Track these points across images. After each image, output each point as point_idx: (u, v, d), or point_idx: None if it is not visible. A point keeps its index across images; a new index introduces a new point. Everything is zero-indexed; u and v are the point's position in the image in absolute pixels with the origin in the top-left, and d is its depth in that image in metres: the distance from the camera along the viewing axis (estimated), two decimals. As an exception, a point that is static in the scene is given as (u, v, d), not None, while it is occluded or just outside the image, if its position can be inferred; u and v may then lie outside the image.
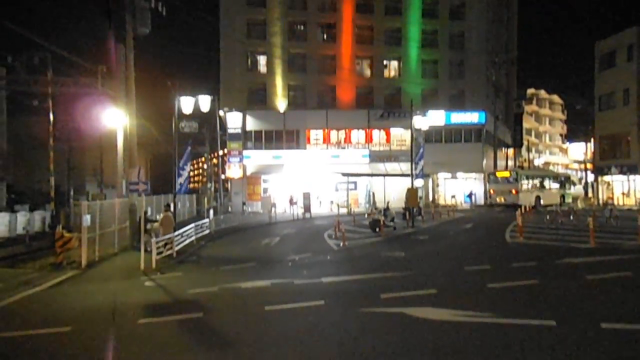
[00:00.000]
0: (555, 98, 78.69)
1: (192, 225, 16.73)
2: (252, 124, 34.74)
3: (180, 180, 17.87)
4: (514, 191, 30.39)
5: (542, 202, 31.24)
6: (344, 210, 29.87)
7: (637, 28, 32.29)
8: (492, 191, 32.46)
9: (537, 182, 33.02)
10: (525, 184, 31.41)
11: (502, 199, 30.68)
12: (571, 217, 20.41)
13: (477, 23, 38.28)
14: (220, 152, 39.01)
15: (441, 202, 36.18)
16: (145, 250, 11.73)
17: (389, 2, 37.25)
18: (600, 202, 34.38)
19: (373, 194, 32.60)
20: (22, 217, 22.05)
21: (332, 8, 36.61)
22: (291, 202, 30.73)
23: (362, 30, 36.93)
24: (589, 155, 42.18)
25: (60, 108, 27.02)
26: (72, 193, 31.65)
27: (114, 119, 17.23)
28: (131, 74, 16.25)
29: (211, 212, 21.75)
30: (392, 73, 38.24)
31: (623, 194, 34.34)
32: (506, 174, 32.96)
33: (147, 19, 15.86)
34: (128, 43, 16.10)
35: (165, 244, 13.16)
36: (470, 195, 35.89)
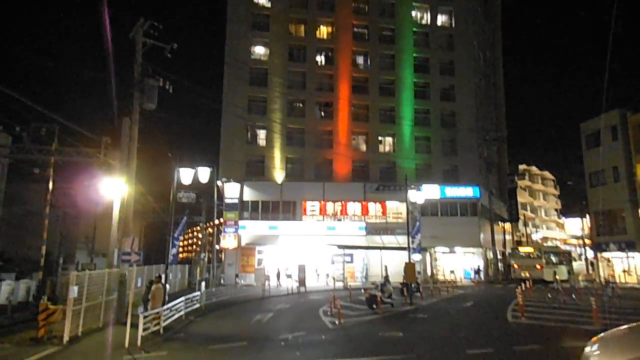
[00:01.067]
0: (547, 174, 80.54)
1: (183, 298, 16.12)
2: (249, 195, 35.05)
3: (174, 251, 17.62)
4: (538, 266, 31.73)
5: (557, 277, 31.75)
6: (340, 284, 29.08)
7: (619, 110, 34.00)
8: (516, 266, 33.53)
9: (553, 257, 34.22)
10: (546, 260, 32.63)
11: (527, 274, 31.34)
12: (573, 296, 19.88)
13: (467, 103, 40.47)
14: (216, 222, 38.81)
15: (440, 277, 35.41)
16: (132, 325, 11.18)
17: (383, 85, 39.71)
18: (601, 279, 33.74)
19: (386, 267, 31.43)
20: (6, 286, 21.24)
21: (330, 88, 38.85)
22: (279, 276, 30.12)
23: (358, 108, 38.86)
24: (586, 230, 42.32)
25: (59, 175, 27.35)
26: (61, 261, 30.86)
27: (112, 188, 17.40)
28: (134, 146, 16.71)
29: (203, 284, 21.07)
30: (387, 148, 39.52)
31: (624, 271, 33.82)
32: (529, 249, 34.79)
33: (154, 96, 16.68)
34: (134, 117, 16.77)
35: (153, 319, 12.59)
36: (478, 271, 35.43)
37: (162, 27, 16.79)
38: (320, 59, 39.73)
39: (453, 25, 42.46)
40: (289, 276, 28.81)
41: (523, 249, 35.52)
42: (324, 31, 40.39)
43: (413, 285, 20.63)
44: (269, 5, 39.24)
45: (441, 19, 42.74)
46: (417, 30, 41.58)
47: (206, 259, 36.92)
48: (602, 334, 5.48)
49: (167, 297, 15.83)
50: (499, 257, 40.68)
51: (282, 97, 37.43)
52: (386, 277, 21.32)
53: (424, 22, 42.23)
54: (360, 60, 40.56)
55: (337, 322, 14.15)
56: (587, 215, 39.29)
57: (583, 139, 36.87)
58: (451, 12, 42.63)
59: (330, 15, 40.05)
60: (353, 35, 40.15)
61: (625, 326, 5.63)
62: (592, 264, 38.45)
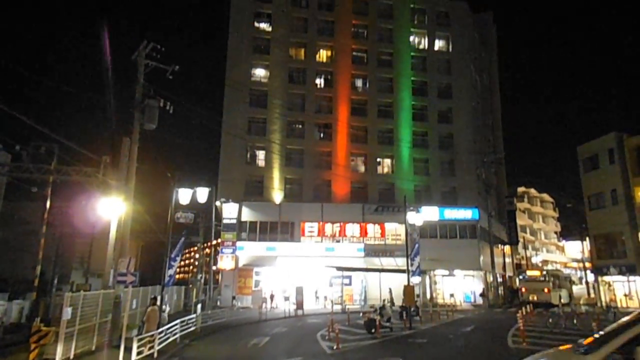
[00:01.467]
0: (546, 196, 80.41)
1: (178, 321, 15.84)
2: (247, 215, 34.90)
3: (170, 272, 17.38)
4: (546, 290, 32.30)
5: (562, 300, 32.01)
6: (338, 307, 28.64)
7: (616, 133, 34.18)
8: (524, 289, 34.00)
9: (557, 281, 34.82)
10: (553, 283, 33.26)
11: (535, 297, 32.00)
12: (574, 321, 19.58)
13: (464, 126, 40.89)
14: (214, 242, 38.51)
15: (440, 300, 34.94)
16: (126, 349, 10.93)
17: (382, 107, 40.18)
18: (603, 303, 33.31)
19: (390, 290, 30.87)
20: (-2, 307, 20.87)
21: (329, 110, 39.26)
22: (272, 298, 29.73)
23: (357, 130, 39.19)
24: (587, 254, 42.12)
25: (57, 194, 27.26)
26: (55, 282, 30.43)
27: (109, 208, 17.29)
28: (133, 165, 16.71)
29: (199, 306, 20.73)
30: (386, 169, 39.64)
31: (625, 295, 33.40)
32: (537, 273, 35.35)
33: (154, 116, 16.77)
34: (134, 137, 16.82)
35: (147, 342, 12.33)
36: (483, 294, 35.12)
37: (164, 49, 17.06)
38: (319, 81, 40.29)
39: (450, 50, 43.28)
40: (286, 298, 28.40)
41: (531, 272, 36.11)
42: (323, 55, 41.12)
43: (412, 309, 20.34)
44: (270, 29, 40.05)
45: (438, 44, 43.60)
46: (415, 54, 42.36)
47: (203, 280, 36.45)
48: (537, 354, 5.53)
49: (167, 317, 15.56)
50: (500, 280, 40.25)
51: (281, 118, 37.76)
52: (390, 301, 21.03)
53: (421, 46, 43.06)
54: (359, 83, 41.13)
55: (335, 347, 13.88)
56: (587, 238, 39.08)
57: (580, 161, 36.88)
58: (448, 38, 43.54)
59: (329, 39, 40.85)
60: (352, 59, 40.86)
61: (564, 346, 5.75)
62: (593, 287, 38.07)
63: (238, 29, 39.21)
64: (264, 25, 40.27)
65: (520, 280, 36.37)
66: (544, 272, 35.37)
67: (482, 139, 45.58)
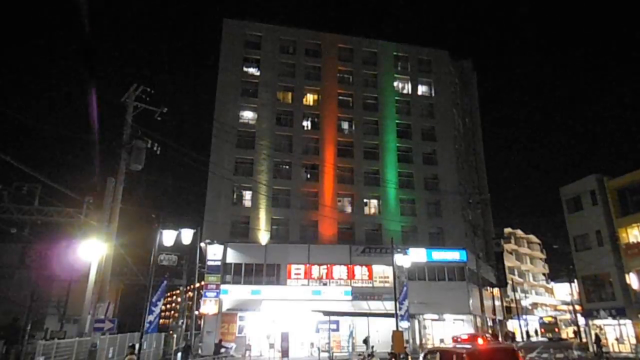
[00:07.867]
0: (533, 237, 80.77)
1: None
2: (232, 257, 34.19)
3: (151, 317, 16.67)
4: (556, 330, 49.10)
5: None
6: (325, 354, 27.58)
7: (596, 175, 34.83)
8: (543, 330, 50.39)
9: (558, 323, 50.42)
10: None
11: (551, 335, 48.08)
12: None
13: (449, 167, 41.68)
14: (197, 285, 37.36)
15: (429, 346, 33.93)
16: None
17: (367, 149, 40.89)
18: (595, 348, 32.66)
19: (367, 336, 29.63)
20: (-37, 358, 19.62)
21: (315, 152, 39.78)
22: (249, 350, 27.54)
23: (343, 171, 39.57)
24: (575, 296, 42.28)
25: (36, 235, 26.49)
26: (29, 328, 28.88)
27: (90, 250, 16.80)
28: (117, 207, 16.42)
29: (179, 355, 19.76)
30: (372, 210, 39.71)
31: (616, 339, 32.87)
32: (550, 318, 52.17)
33: (141, 157, 16.68)
34: (119, 177, 16.65)
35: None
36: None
37: (153, 92, 17.28)
38: (306, 123, 41.08)
39: (432, 95, 44.90)
40: (271, 345, 27.31)
41: (546, 318, 52.65)
42: (310, 98, 42.21)
43: (401, 356, 19.69)
44: (258, 74, 41.23)
45: (421, 89, 45.24)
46: (399, 98, 43.77)
47: (184, 327, 34.99)
48: None
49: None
50: (490, 324, 39.54)
51: (268, 159, 38.04)
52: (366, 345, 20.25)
53: (405, 91, 44.60)
54: (345, 125, 42.04)
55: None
56: (575, 280, 38.91)
57: (564, 202, 37.17)
58: (430, 84, 45.30)
59: (316, 84, 42.12)
60: (338, 102, 42.00)
61: None
62: (584, 331, 37.52)
63: (227, 73, 40.24)
64: (252, 70, 41.45)
65: (540, 324, 52.50)
66: (555, 318, 51.44)
67: (466, 180, 46.37)
